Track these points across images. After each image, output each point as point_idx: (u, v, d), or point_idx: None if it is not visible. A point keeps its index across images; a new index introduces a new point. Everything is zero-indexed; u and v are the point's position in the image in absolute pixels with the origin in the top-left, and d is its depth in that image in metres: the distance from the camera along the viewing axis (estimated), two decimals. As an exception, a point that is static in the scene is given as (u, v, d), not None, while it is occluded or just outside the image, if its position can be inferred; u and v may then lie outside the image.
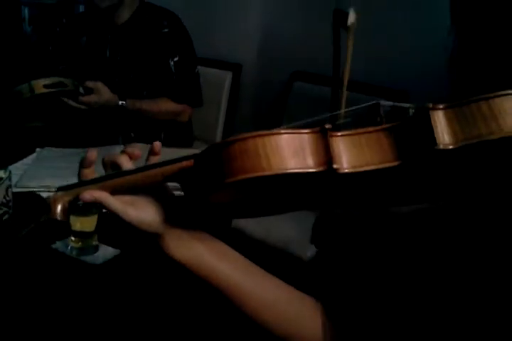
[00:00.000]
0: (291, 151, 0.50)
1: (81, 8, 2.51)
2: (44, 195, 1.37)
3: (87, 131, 1.88)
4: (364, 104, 0.56)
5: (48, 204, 0.60)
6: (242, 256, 0.63)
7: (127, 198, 0.59)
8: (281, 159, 0.49)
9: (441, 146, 0.47)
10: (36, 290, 1.03)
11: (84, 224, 1.12)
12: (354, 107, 0.56)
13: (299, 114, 2.26)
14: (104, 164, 0.62)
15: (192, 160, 0.56)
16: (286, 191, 0.57)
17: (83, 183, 0.61)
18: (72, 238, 1.12)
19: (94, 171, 0.63)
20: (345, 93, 0.60)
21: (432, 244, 0.60)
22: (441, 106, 0.49)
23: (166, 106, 1.88)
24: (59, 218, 0.60)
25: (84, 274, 1.09)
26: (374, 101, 0.56)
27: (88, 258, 1.12)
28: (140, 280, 1.08)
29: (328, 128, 0.50)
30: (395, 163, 0.50)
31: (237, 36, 2.36)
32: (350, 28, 0.55)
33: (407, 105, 0.55)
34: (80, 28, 1.91)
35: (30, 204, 0.61)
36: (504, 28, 0.54)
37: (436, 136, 0.48)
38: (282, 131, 0.50)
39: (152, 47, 1.85)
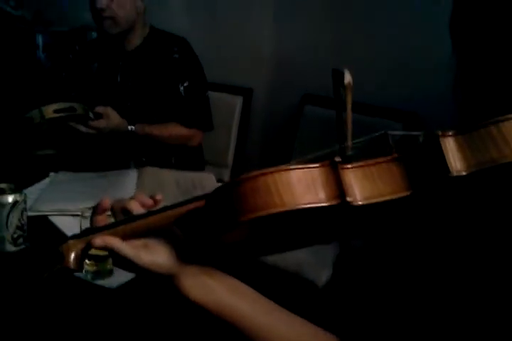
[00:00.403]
0: (302, 187, 0.49)
1: (93, 35, 2.55)
2: (57, 218, 1.37)
3: (99, 155, 1.89)
4: (372, 135, 0.56)
5: (61, 253, 0.60)
6: (257, 292, 0.62)
7: (139, 242, 0.60)
8: (294, 195, 0.49)
9: (455, 173, 0.47)
10: (51, 314, 1.02)
11: (99, 247, 1.11)
12: (362, 138, 0.56)
13: (310, 138, 2.29)
14: (114, 210, 0.63)
15: (202, 201, 0.56)
16: (299, 227, 0.57)
17: (94, 230, 0.62)
18: (87, 262, 1.12)
19: (107, 218, 0.63)
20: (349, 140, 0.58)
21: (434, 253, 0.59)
22: (450, 133, 0.49)
23: (176, 130, 1.90)
24: (72, 267, 0.60)
25: (99, 298, 1.08)
26: (382, 131, 0.56)
27: (103, 282, 1.11)
28: (155, 304, 1.07)
29: (338, 162, 0.50)
30: (408, 193, 0.50)
31: (247, 61, 2.38)
32: (347, 86, 0.57)
33: (416, 133, 0.54)
34: (91, 55, 1.95)
35: (44, 253, 0.62)
36: (504, 52, 0.54)
37: (448, 163, 0.48)
38: (292, 167, 0.50)
39: (162, 73, 1.87)
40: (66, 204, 1.41)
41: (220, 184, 1.66)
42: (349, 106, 0.57)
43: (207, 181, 1.68)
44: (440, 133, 0.49)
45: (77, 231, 1.14)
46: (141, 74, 1.88)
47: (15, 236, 1.16)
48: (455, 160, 0.48)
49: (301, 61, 2.25)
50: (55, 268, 0.61)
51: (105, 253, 1.10)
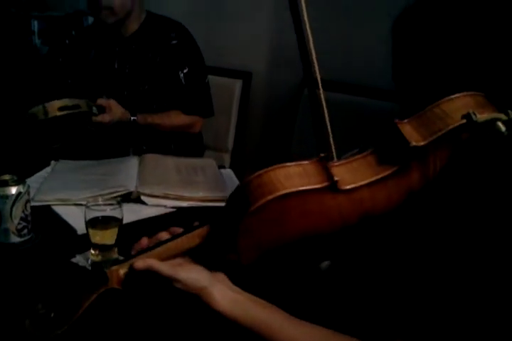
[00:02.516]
0: (298, 176, 0.60)
1: (90, 20, 2.52)
2: (61, 208, 1.37)
3: (98, 144, 1.88)
4: (350, 152, 0.69)
5: (106, 277, 0.68)
6: (275, 306, 0.67)
7: (175, 261, 0.67)
8: (292, 181, 0.60)
9: (414, 143, 0.58)
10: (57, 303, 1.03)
11: (104, 236, 1.12)
12: (343, 157, 0.67)
13: (310, 121, 2.26)
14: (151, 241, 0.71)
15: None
16: (305, 246, 0.65)
17: (133, 256, 0.70)
18: (92, 251, 1.12)
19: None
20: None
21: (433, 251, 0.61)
22: (405, 121, 0.61)
23: (177, 118, 1.89)
24: (117, 287, 0.69)
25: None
26: (357, 149, 0.68)
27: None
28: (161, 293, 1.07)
29: (323, 157, 0.62)
30: (386, 173, 0.60)
31: (246, 44, 2.36)
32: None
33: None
34: (88, 41, 1.92)
35: (90, 275, 0.70)
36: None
37: (408, 138, 0.59)
38: (288, 164, 0.61)
39: (161, 60, 1.85)
40: (68, 194, 1.41)
41: (220, 170, 1.66)
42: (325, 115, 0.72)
43: (208, 167, 1.68)
44: (397, 120, 0.61)
45: (80, 220, 1.15)
46: (139, 61, 1.86)
47: (19, 227, 1.16)
48: (412, 135, 0.59)
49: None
50: (101, 290, 0.69)
51: (111, 242, 1.12)
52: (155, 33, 1.87)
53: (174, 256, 0.68)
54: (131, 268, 0.67)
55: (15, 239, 1.17)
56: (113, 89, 1.86)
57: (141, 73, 1.86)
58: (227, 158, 2.35)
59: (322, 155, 0.62)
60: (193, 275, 0.65)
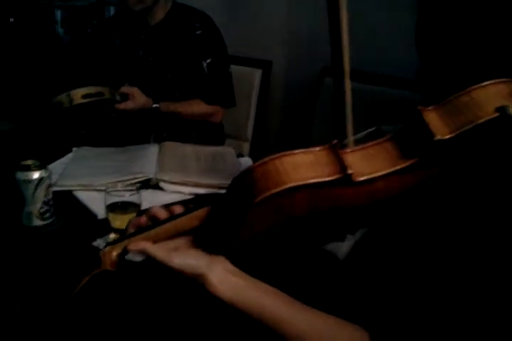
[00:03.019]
0: (307, 165, 0.54)
1: (112, 10, 2.54)
2: (82, 193, 1.40)
3: (120, 131, 1.91)
4: (366, 131, 0.63)
5: (99, 258, 0.67)
6: (278, 289, 0.65)
7: (170, 244, 0.64)
8: (300, 173, 0.54)
9: (439, 136, 0.52)
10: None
11: (123, 221, 1.14)
12: (358, 135, 0.63)
13: (330, 110, 2.25)
14: (146, 217, 0.68)
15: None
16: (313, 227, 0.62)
17: (128, 236, 0.67)
18: (113, 235, 1.14)
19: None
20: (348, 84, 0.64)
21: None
22: (430, 108, 0.55)
23: (199, 108, 1.90)
24: (110, 269, 0.67)
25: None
26: (374, 127, 0.63)
27: (128, 256, 1.14)
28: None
29: (336, 143, 0.55)
30: (404, 165, 0.54)
31: (265, 33, 2.36)
32: None
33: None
34: (112, 31, 1.94)
35: (83, 257, 0.68)
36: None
37: (432, 129, 0.53)
38: (296, 151, 0.55)
39: (185, 49, 1.86)
40: (89, 180, 1.44)
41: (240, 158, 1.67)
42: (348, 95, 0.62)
43: (227, 155, 1.69)
44: (421, 108, 0.54)
45: (101, 205, 1.17)
46: (163, 49, 1.87)
47: (42, 211, 1.19)
48: (438, 127, 0.53)
49: (320, 33, 2.21)
50: (94, 272, 0.67)
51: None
52: (180, 23, 1.88)
53: (171, 237, 0.65)
54: (125, 250, 0.65)
55: (38, 222, 1.20)
56: (137, 76, 1.87)
57: (165, 61, 1.87)
58: (246, 147, 2.36)
59: (335, 141, 0.55)
60: (189, 261, 0.62)
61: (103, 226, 1.19)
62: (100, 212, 1.27)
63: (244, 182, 0.56)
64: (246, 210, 0.55)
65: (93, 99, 1.61)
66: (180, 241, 0.65)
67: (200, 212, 0.63)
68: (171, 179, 1.44)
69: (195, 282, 0.62)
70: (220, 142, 2.08)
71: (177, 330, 0.90)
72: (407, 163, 0.54)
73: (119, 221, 1.14)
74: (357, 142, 0.61)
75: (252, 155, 2.25)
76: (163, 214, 0.67)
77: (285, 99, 2.41)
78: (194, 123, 1.95)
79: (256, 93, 2.31)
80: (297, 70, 2.33)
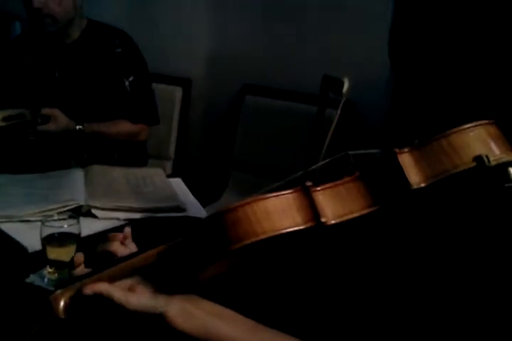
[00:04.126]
0: (279, 213, 0.53)
1: (17, 26, 2.41)
2: (6, 225, 1.30)
3: (37, 155, 1.80)
4: (334, 157, 0.61)
5: (50, 305, 0.60)
6: (238, 314, 0.63)
7: (126, 283, 0.61)
8: (272, 222, 0.53)
9: (415, 186, 0.52)
10: (15, 329, 0.97)
11: (60, 253, 1.07)
12: (325, 161, 0.62)
13: (252, 128, 2.28)
14: (98, 253, 0.66)
15: (182, 238, 0.59)
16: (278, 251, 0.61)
17: (80, 278, 0.62)
18: (49, 269, 1.07)
19: (84, 268, 0.66)
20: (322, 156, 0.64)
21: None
22: (406, 150, 0.53)
23: (124, 127, 1.85)
24: (62, 316, 0.60)
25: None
26: (343, 153, 0.61)
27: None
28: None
29: (309, 186, 0.54)
30: (375, 208, 0.54)
31: (184, 50, 2.33)
32: (344, 94, 0.60)
33: (374, 151, 0.59)
34: (21, 52, 1.85)
35: (32, 306, 0.62)
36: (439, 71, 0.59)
37: (408, 177, 0.52)
38: (268, 196, 0.54)
39: (106, 67, 1.81)
40: (10, 210, 1.34)
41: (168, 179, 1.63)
42: (338, 114, 0.61)
43: (157, 176, 1.65)
44: (397, 150, 0.53)
45: (31, 237, 1.09)
46: (82, 69, 1.81)
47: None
48: (414, 174, 0.52)
49: (240, 50, 2.23)
50: (45, 321, 0.61)
51: (68, 259, 1.07)
52: (98, 40, 1.82)
53: (125, 277, 0.62)
54: (79, 292, 0.60)
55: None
56: (56, 98, 1.79)
57: (85, 81, 1.80)
58: (169, 166, 2.32)
59: (308, 184, 0.54)
60: (145, 300, 0.59)
61: (35, 260, 1.11)
62: (30, 244, 1.18)
63: (215, 229, 0.55)
64: (218, 257, 0.55)
65: (14, 121, 1.53)
66: (136, 280, 0.62)
67: (155, 251, 0.61)
68: (103, 205, 1.38)
69: (156, 318, 0.60)
70: (143, 162, 2.03)
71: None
72: (380, 205, 0.54)
73: (56, 253, 1.07)
74: (322, 169, 0.61)
75: (174, 174, 2.21)
76: (120, 250, 0.66)
77: (207, 117, 2.40)
78: (116, 143, 1.88)
79: (177, 111, 2.29)
80: (218, 88, 2.32)
